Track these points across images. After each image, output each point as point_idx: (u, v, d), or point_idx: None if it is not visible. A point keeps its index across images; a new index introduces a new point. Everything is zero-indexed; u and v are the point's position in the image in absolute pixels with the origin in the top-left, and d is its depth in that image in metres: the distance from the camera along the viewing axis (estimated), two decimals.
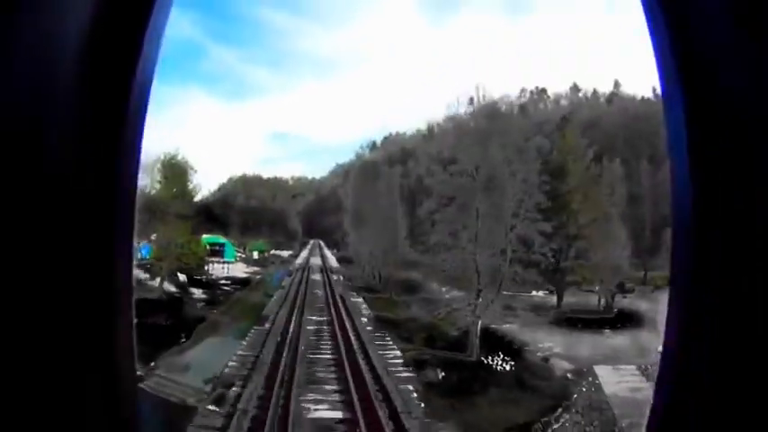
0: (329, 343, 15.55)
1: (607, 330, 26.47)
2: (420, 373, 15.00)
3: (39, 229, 0.77)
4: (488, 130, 23.13)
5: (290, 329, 16.47)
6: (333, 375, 12.26)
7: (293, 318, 18.60)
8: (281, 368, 11.88)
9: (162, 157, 28.95)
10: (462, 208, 22.44)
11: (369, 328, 18.68)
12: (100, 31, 0.83)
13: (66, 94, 0.79)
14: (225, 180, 76.27)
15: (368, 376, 11.94)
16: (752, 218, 0.80)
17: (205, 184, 32.07)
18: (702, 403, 0.86)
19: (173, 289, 29.18)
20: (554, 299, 30.14)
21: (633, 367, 21.50)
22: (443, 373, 15.86)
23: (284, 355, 13.29)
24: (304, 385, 11.31)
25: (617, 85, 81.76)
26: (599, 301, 29.31)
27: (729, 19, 0.80)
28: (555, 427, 14.99)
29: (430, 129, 79.30)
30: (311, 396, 10.80)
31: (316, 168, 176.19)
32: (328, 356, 13.99)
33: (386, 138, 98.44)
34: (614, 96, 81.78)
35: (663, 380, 0.95)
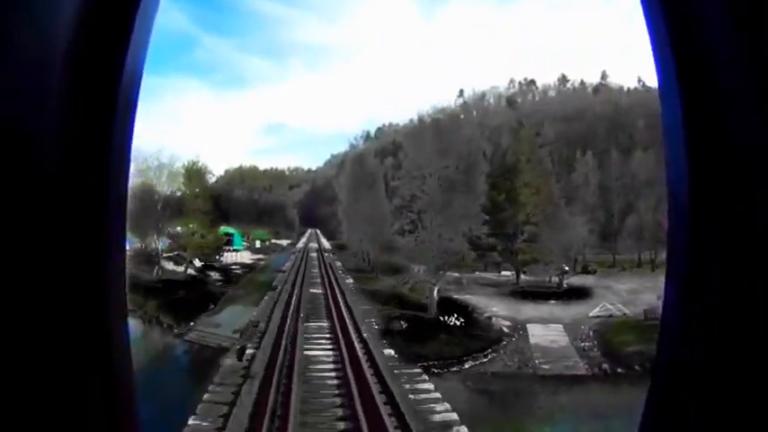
0: (319, 278, 27.49)
1: (552, 301, 30.49)
2: (389, 323, 20.89)
3: (29, 228, 0.76)
4: (442, 146, 28.47)
5: (299, 272, 27.63)
6: (320, 285, 23.23)
7: (300, 268, 31.71)
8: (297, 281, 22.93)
9: (186, 163, 34.68)
10: (421, 202, 28.13)
11: (342, 275, 31.00)
12: (88, 21, 0.82)
13: (57, 85, 0.78)
14: (222, 172, 77.02)
15: (334, 283, 24.08)
16: (752, 219, 0.79)
17: None
18: (702, 404, 0.84)
19: (194, 273, 34.58)
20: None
21: (560, 326, 27.15)
22: (406, 325, 21.44)
23: (297, 279, 24.29)
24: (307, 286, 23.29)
25: (604, 76, 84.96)
26: (549, 278, 33.10)
27: (729, 19, 0.79)
28: (483, 360, 20.96)
29: (421, 120, 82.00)
30: (311, 287, 23.26)
31: (312, 159, 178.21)
32: (318, 281, 26.03)
33: (379, 129, 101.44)
34: (601, 87, 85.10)
35: (662, 381, 0.94)
